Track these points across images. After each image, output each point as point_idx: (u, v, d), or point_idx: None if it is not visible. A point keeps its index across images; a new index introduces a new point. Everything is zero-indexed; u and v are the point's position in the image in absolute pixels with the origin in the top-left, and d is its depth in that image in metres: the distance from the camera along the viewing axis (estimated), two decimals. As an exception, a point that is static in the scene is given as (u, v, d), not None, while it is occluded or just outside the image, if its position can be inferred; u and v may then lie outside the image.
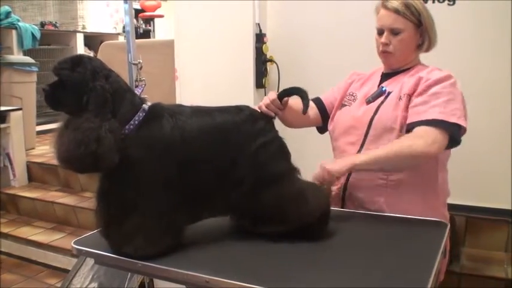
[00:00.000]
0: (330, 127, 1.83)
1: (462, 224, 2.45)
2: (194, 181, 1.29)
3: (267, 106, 1.53)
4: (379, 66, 1.81)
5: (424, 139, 1.48)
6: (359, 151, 1.65)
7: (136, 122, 1.27)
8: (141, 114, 1.28)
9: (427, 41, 1.68)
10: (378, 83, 1.75)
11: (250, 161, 1.32)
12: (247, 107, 1.42)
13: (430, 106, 1.54)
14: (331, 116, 1.83)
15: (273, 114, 1.52)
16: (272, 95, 1.56)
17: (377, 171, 1.60)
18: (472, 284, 2.24)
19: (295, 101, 1.75)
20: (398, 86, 1.66)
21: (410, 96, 1.60)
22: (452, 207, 2.23)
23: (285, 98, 1.56)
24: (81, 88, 1.23)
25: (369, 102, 1.70)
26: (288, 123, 1.78)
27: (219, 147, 1.32)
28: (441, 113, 1.51)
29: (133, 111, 1.28)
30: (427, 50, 1.71)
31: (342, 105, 1.81)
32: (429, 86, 1.57)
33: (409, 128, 1.56)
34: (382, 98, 1.68)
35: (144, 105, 1.30)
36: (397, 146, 1.51)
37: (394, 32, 1.64)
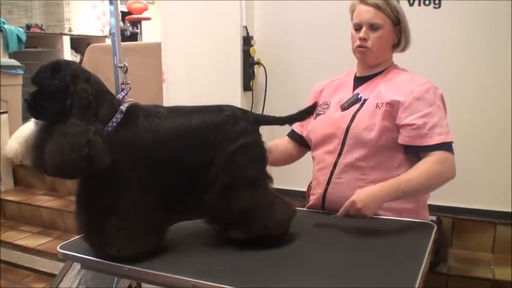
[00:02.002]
0: (305, 135, 1.81)
1: (449, 225, 2.47)
2: (169, 182, 1.29)
3: None
4: (351, 68, 1.80)
5: (445, 165, 1.55)
6: (336, 160, 1.65)
7: (114, 124, 1.27)
8: (118, 115, 1.28)
9: (404, 40, 1.69)
10: (352, 88, 1.73)
11: (226, 161, 1.30)
12: (230, 106, 1.39)
13: (429, 128, 1.56)
14: (306, 129, 1.80)
15: None
16: None
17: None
18: (459, 284, 2.25)
19: (279, 142, 1.84)
20: (374, 92, 1.65)
21: (393, 107, 1.59)
22: (439, 209, 2.26)
23: None
24: (63, 94, 1.23)
25: (343, 108, 1.68)
26: (273, 164, 1.78)
27: (194, 149, 1.31)
28: (441, 134, 1.56)
29: (112, 113, 1.28)
30: (403, 49, 1.72)
31: (316, 114, 1.76)
32: (416, 100, 1.57)
33: (412, 151, 1.59)
34: (357, 106, 1.66)
35: (121, 106, 1.31)
36: (425, 175, 1.53)
37: (373, 28, 1.63)
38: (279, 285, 1.15)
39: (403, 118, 1.58)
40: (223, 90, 2.84)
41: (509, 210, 2.42)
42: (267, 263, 1.26)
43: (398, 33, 1.68)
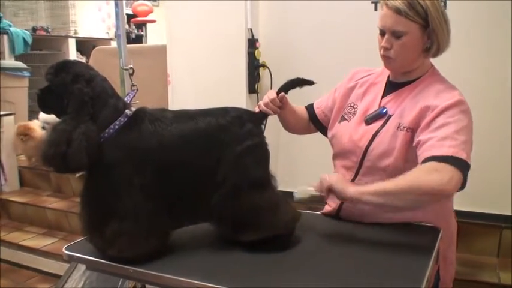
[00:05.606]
0: (328, 136, 1.72)
1: (454, 228, 2.46)
2: (174, 187, 1.30)
3: (265, 105, 1.53)
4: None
5: (441, 175, 1.29)
6: (353, 179, 1.56)
7: (116, 127, 1.28)
8: (122, 119, 1.29)
9: (436, 44, 1.46)
10: (381, 93, 1.59)
11: (233, 162, 1.31)
12: (235, 108, 1.41)
13: (439, 139, 1.36)
14: (329, 126, 1.71)
15: (271, 113, 1.53)
16: (271, 94, 1.55)
17: (383, 207, 1.44)
18: (464, 288, 2.24)
19: (299, 106, 1.77)
20: (400, 109, 1.50)
21: (413, 131, 1.44)
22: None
23: (281, 94, 1.55)
24: (62, 92, 1.27)
25: (367, 122, 1.56)
26: (289, 126, 1.76)
27: (201, 153, 1.32)
28: (452, 146, 1.33)
29: (114, 116, 1.29)
30: (435, 55, 1.51)
31: (341, 117, 1.66)
32: (435, 117, 1.40)
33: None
34: (381, 122, 1.53)
35: (126, 110, 1.32)
36: (409, 179, 1.32)
37: (396, 35, 1.44)
38: (285, 286, 1.15)
39: (419, 138, 1.42)
40: (228, 92, 2.85)
41: (515, 214, 2.41)
42: (273, 265, 1.26)
43: (430, 36, 1.46)
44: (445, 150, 1.33)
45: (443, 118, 1.39)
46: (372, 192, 1.33)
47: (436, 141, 1.36)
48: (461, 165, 1.32)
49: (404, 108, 1.49)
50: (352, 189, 1.36)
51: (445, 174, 1.29)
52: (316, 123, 1.78)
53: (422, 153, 1.37)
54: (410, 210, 1.52)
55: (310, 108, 1.81)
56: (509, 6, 2.31)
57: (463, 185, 1.36)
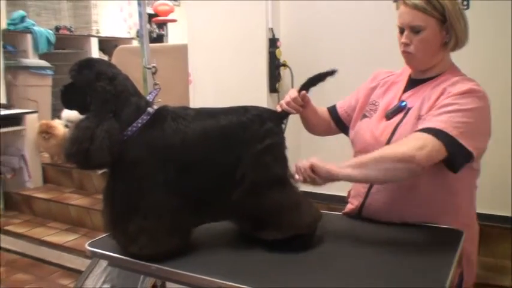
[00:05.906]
0: (350, 135, 1.73)
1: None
2: (196, 184, 1.31)
3: (287, 104, 1.54)
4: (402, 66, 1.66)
5: (416, 142, 1.34)
6: None
7: (139, 125, 1.30)
8: (145, 117, 1.31)
9: (454, 39, 1.49)
10: (402, 90, 1.61)
11: (253, 160, 1.32)
12: (255, 107, 1.41)
13: (435, 115, 1.41)
14: (351, 125, 1.72)
15: (293, 111, 1.54)
16: (293, 92, 1.56)
17: (363, 181, 1.50)
18: (484, 292, 2.22)
19: (321, 108, 1.77)
20: (419, 100, 1.52)
21: None
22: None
23: (303, 92, 1.55)
24: (85, 89, 1.30)
25: (387, 117, 1.57)
26: (310, 126, 1.77)
27: (222, 150, 1.33)
28: (443, 122, 1.37)
29: (137, 114, 1.31)
30: (454, 49, 1.53)
31: (363, 115, 1.68)
32: (443, 99, 1.44)
33: None
34: (401, 115, 1.54)
35: (149, 108, 1.33)
36: (386, 148, 1.42)
37: (415, 30, 1.47)
38: (306, 286, 1.16)
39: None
40: (249, 92, 2.86)
41: (538, 217, 2.37)
42: (294, 265, 1.26)
43: (449, 31, 1.48)
44: (435, 124, 1.37)
45: (449, 100, 1.42)
46: (350, 165, 1.38)
47: (432, 116, 1.41)
48: (446, 140, 1.35)
49: (423, 100, 1.51)
50: (331, 165, 1.38)
51: (420, 142, 1.34)
52: (339, 123, 1.79)
53: (418, 127, 1.42)
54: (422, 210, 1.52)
55: (332, 109, 1.81)
56: (509, 6, 2.27)
57: (454, 168, 1.40)
